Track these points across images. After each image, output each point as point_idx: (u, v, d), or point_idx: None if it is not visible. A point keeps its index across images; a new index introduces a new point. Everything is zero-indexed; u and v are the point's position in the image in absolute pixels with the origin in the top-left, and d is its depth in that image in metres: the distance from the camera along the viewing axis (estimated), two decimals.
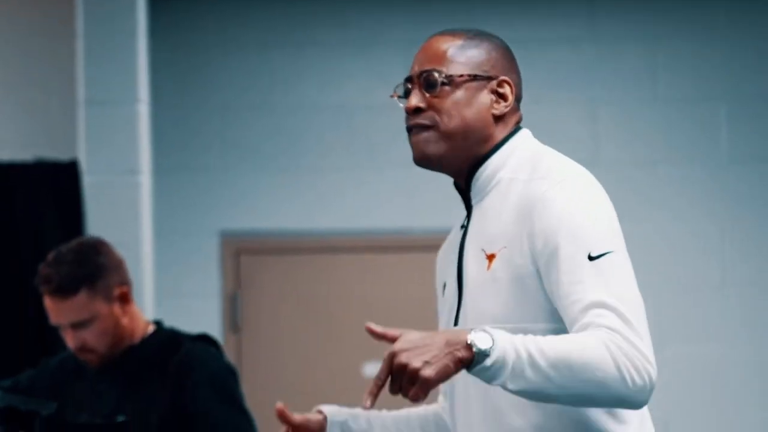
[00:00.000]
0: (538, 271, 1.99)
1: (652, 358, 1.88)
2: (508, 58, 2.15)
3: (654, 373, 1.87)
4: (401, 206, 5.63)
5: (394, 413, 2.34)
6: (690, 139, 5.76)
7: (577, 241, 1.95)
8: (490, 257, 2.06)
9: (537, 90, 5.66)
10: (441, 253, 2.27)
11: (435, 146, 2.10)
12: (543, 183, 2.02)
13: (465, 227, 2.15)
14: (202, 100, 5.72)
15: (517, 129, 2.15)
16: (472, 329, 1.84)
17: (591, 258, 1.95)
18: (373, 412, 2.30)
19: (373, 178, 5.63)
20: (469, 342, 1.82)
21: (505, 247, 2.04)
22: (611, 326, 1.86)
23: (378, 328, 1.90)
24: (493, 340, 1.82)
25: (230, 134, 5.72)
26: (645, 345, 1.87)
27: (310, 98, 5.73)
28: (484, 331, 1.83)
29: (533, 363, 1.82)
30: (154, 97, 5.05)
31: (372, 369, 5.64)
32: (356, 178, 5.65)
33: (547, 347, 1.83)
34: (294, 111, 5.73)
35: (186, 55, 5.74)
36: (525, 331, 1.89)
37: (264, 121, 5.72)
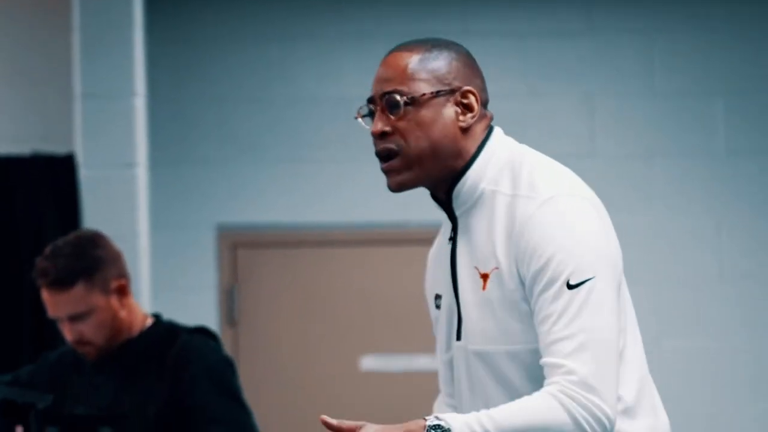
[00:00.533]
0: (526, 295, 2.02)
1: (611, 397, 1.94)
2: (469, 65, 2.11)
3: (611, 412, 1.94)
4: (398, 199, 5.58)
5: None
6: (687, 133, 5.76)
7: (558, 268, 1.98)
8: (484, 276, 2.09)
9: (533, 83, 5.67)
10: (430, 263, 2.27)
11: (407, 174, 2.08)
12: (529, 204, 2.02)
13: (453, 239, 2.14)
14: (199, 93, 5.72)
15: (488, 133, 2.12)
16: (426, 418, 1.93)
17: (570, 286, 1.98)
18: None
19: (371, 170, 5.57)
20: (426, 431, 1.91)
21: (496, 268, 2.06)
22: (572, 372, 1.93)
23: (334, 422, 1.91)
24: (449, 426, 1.91)
25: (227, 127, 5.71)
26: (605, 386, 1.94)
27: (308, 91, 5.72)
28: (437, 418, 1.92)
29: None
30: (151, 90, 5.04)
31: (369, 362, 5.64)
32: (354, 171, 5.65)
33: (502, 419, 1.92)
34: (291, 104, 5.72)
35: (183, 48, 5.73)
36: (526, 352, 2.02)
37: (261, 114, 5.71)
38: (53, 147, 4.95)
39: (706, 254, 5.72)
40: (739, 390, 5.67)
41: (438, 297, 2.20)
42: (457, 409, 2.21)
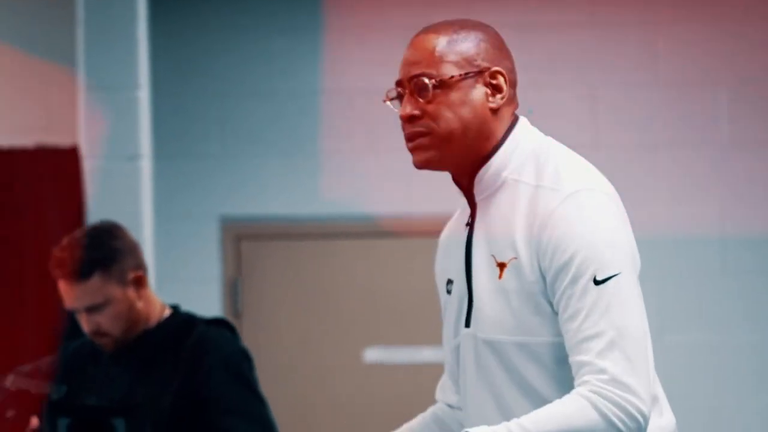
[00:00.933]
0: (546, 288, 2.01)
1: (644, 392, 1.93)
2: (497, 46, 2.09)
3: (646, 409, 1.93)
4: (401, 190, 5.63)
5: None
6: (690, 124, 5.75)
7: (583, 264, 1.96)
8: (501, 266, 2.07)
9: (537, 75, 5.66)
10: (442, 246, 2.25)
11: (434, 152, 2.07)
12: (553, 197, 2.01)
13: (470, 225, 2.13)
14: (202, 87, 5.71)
15: (515, 120, 2.11)
16: None
17: (596, 282, 1.97)
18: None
19: (374, 162, 5.62)
20: None
21: (515, 258, 2.04)
22: (603, 370, 1.92)
23: None
24: None
25: (230, 120, 5.71)
26: (638, 383, 1.93)
27: (310, 84, 5.72)
28: None
29: None
30: (154, 83, 5.04)
31: (374, 355, 5.65)
32: (357, 162, 5.65)
33: (534, 427, 1.92)
34: (294, 96, 5.72)
35: (186, 42, 5.73)
36: (538, 344, 2.02)
37: (264, 107, 5.71)
38: (57, 139, 4.96)
39: (709, 247, 5.71)
40: (742, 384, 5.66)
41: (450, 282, 2.18)
42: (460, 395, 2.21)
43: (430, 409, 2.37)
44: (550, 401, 1.97)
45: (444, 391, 2.33)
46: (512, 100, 2.10)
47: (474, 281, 2.11)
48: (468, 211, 2.14)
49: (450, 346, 2.22)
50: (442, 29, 2.08)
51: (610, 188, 2.05)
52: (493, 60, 2.07)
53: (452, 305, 2.17)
